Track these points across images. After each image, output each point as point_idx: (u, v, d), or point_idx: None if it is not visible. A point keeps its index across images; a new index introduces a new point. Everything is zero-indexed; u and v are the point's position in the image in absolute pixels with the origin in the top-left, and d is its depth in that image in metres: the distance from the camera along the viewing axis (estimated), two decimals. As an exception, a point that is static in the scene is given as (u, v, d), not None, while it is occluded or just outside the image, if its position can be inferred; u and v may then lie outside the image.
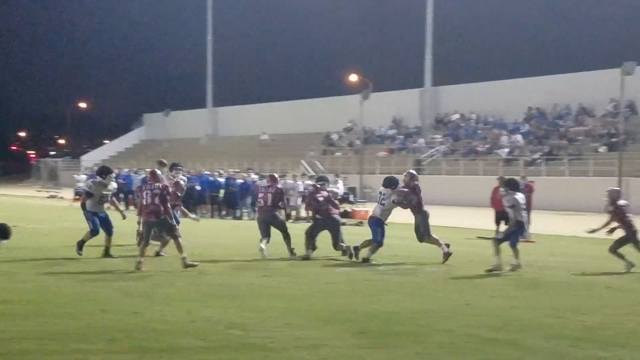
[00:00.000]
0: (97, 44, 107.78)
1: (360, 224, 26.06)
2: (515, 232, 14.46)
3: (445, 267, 14.89)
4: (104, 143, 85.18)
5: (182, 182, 16.84)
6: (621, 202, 14.88)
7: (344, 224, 18.10)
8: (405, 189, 15.74)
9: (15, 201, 42.34)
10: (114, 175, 16.99)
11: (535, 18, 67.02)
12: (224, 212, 30.79)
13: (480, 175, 41.84)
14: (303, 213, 26.70)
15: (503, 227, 17.51)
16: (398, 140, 53.97)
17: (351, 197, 31.92)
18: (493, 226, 20.60)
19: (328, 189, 16.87)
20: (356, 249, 15.76)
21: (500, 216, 19.27)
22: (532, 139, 45.78)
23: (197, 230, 19.09)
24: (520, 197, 14.74)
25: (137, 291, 11.42)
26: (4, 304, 10.23)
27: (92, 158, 71.77)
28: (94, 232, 15.46)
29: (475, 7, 70.84)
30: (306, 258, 15.74)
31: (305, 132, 61.24)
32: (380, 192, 15.93)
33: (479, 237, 20.97)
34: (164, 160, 17.72)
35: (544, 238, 21.66)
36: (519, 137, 46.34)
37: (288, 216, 28.50)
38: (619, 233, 14.91)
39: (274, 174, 18.18)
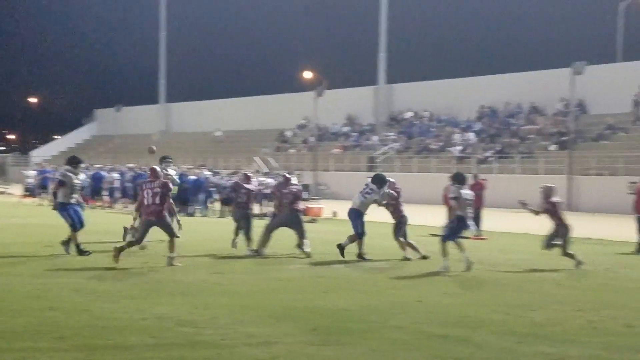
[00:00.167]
0: (47, 38, 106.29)
1: (314, 220, 26.08)
2: (457, 227, 14.33)
3: (398, 264, 14.97)
4: (54, 138, 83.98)
5: (175, 176, 16.74)
6: (555, 199, 15.07)
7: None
8: (395, 193, 15.86)
9: (-38, 197, 41.54)
10: (83, 165, 16.67)
11: (488, 17, 67.70)
12: (176, 209, 30.52)
13: (433, 172, 42.14)
14: (256, 210, 26.56)
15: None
16: (352, 137, 54.11)
17: (305, 194, 31.88)
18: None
19: (295, 184, 16.87)
20: (360, 255, 15.52)
21: None
22: (485, 137, 46.25)
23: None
24: (466, 191, 14.73)
25: (87, 288, 11.28)
26: (-50, 302, 10.05)
27: (42, 154, 70.79)
28: (74, 227, 15.11)
29: (429, 5, 71.34)
30: (257, 254, 15.68)
31: (259, 128, 61.08)
32: (367, 185, 15.85)
33: (431, 235, 21.09)
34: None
35: (496, 235, 21.88)
36: (471, 135, 46.76)
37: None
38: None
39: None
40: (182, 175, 30.60)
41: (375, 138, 52.16)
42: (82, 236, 15.44)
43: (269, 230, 16.10)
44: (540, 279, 13.41)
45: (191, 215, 29.26)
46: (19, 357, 7.39)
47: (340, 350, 7.93)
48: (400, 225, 15.97)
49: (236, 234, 16.52)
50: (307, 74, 56.06)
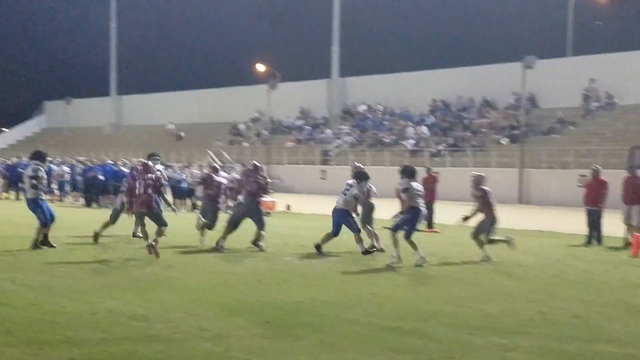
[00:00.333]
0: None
1: (267, 214, 25.94)
2: (410, 220, 14.25)
3: (351, 257, 14.97)
4: (3, 131, 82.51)
5: (162, 172, 16.66)
6: (486, 187, 15.22)
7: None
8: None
9: None
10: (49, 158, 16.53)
11: (441, 11, 68.12)
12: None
13: (386, 166, 42.30)
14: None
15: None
16: (305, 130, 54.12)
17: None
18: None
19: (263, 175, 16.71)
20: (318, 247, 15.38)
21: None
22: (437, 131, 46.58)
23: (101, 221, 18.68)
24: (416, 184, 14.70)
25: (36, 283, 11.10)
26: None
27: (-10, 146, 69.56)
28: (45, 223, 14.94)
29: (382, -1, 71.52)
30: (219, 247, 15.55)
31: (212, 121, 60.75)
32: (347, 183, 15.74)
33: (384, 227, 21.15)
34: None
35: (448, 228, 22.00)
36: (424, 129, 47.07)
37: (194, 206, 28.24)
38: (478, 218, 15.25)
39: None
40: (133, 169, 30.34)
41: (328, 131, 52.24)
42: (31, 230, 15.25)
43: (232, 222, 15.99)
44: (491, 271, 13.53)
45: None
46: (-34, 354, 7.25)
47: (293, 343, 7.91)
48: (368, 213, 15.98)
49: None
50: (260, 67, 55.86)
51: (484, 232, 15.05)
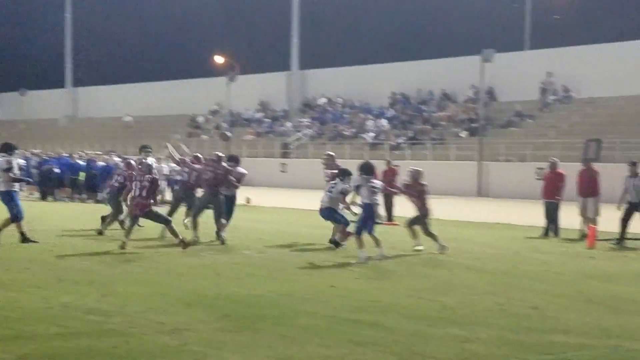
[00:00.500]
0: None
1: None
2: (366, 217, 14.08)
3: (311, 250, 14.96)
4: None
5: (152, 164, 16.41)
6: (423, 182, 15.35)
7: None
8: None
9: None
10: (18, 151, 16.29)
11: (400, 4, 68.18)
12: (84, 196, 29.89)
13: (346, 159, 42.12)
14: (168, 196, 26.17)
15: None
16: (265, 123, 53.96)
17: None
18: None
19: (224, 167, 16.58)
20: (336, 243, 15.24)
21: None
22: (397, 124, 46.72)
23: (57, 215, 18.48)
24: (374, 181, 14.58)
25: (-11, 277, 10.91)
26: None
27: (-57, 139, 68.20)
28: (16, 217, 14.59)
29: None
30: (192, 244, 15.32)
31: (170, 114, 60.25)
32: (331, 182, 15.54)
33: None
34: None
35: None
36: (384, 122, 47.18)
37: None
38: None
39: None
40: (90, 162, 30.01)
41: (288, 124, 52.15)
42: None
43: (196, 215, 15.89)
44: (450, 263, 13.59)
45: (101, 202, 28.64)
46: None
47: (252, 336, 7.86)
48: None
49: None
50: (219, 59, 55.44)
51: (419, 224, 15.16)
